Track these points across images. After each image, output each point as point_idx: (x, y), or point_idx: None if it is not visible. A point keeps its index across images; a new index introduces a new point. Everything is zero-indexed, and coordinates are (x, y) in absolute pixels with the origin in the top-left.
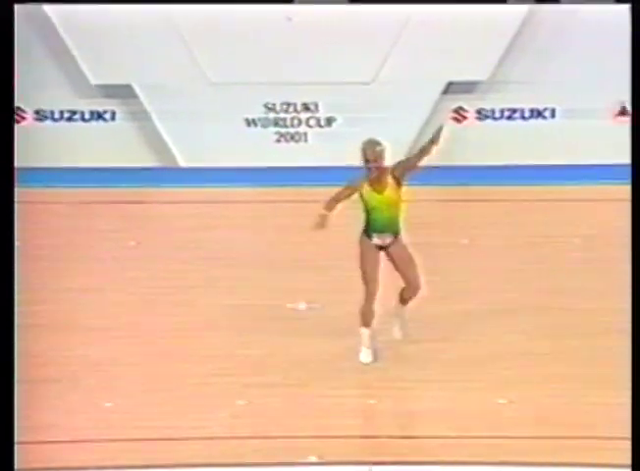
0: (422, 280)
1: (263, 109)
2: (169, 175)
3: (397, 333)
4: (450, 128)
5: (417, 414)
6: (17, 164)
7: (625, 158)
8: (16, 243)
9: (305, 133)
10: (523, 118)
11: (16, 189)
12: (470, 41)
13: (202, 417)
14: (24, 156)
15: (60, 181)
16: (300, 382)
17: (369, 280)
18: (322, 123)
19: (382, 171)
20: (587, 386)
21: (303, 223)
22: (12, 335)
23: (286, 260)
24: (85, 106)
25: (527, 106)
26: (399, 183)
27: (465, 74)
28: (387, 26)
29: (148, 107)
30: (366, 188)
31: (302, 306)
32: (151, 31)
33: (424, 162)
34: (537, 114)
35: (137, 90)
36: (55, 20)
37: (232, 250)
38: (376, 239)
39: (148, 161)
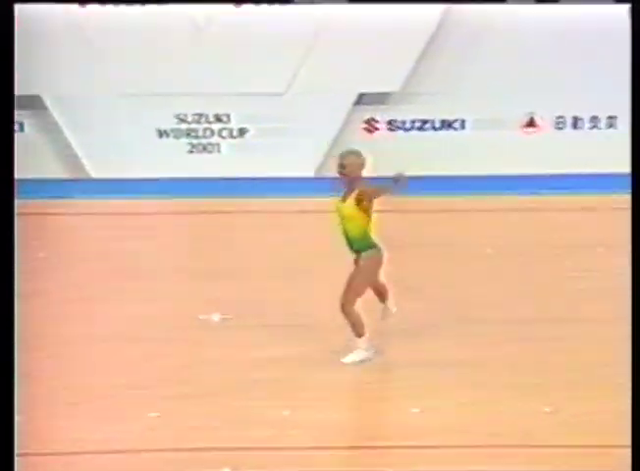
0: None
1: (175, 120)
2: (80, 186)
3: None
4: (361, 138)
5: (331, 425)
6: None
7: (533, 169)
8: None
9: (218, 144)
10: (434, 129)
11: None
12: (381, 52)
13: (115, 429)
14: None
15: None
16: (213, 393)
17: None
18: (234, 134)
19: (352, 186)
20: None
21: (216, 234)
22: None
23: (199, 271)
24: None
25: (438, 117)
26: (357, 204)
27: (377, 85)
28: (299, 36)
29: (58, 118)
30: (342, 195)
31: (216, 317)
32: (60, 40)
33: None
34: (447, 125)
35: (46, 101)
36: None
37: (144, 261)
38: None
39: (58, 172)
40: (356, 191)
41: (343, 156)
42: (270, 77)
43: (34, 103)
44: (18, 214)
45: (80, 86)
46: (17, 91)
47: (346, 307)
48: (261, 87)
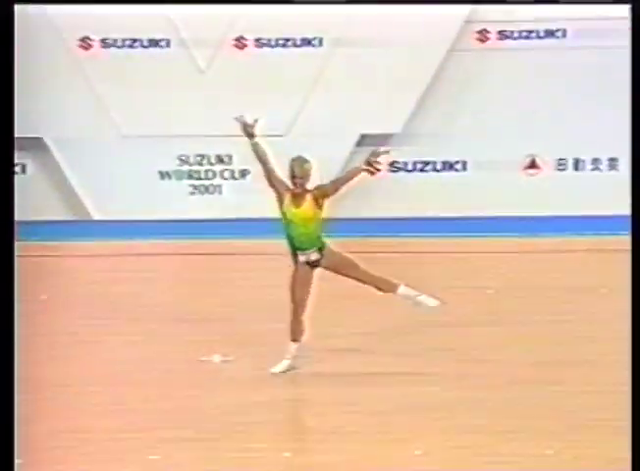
0: None
1: (177, 161)
2: (81, 228)
3: (428, 301)
4: (363, 180)
5: (332, 466)
6: None
7: (535, 211)
8: None
9: (220, 186)
10: (435, 170)
11: None
12: (383, 94)
13: None
14: None
15: None
16: (214, 436)
17: (297, 298)
18: (236, 175)
19: (304, 189)
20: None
21: (217, 275)
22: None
23: (200, 313)
24: None
25: (439, 158)
26: (317, 203)
27: (378, 126)
28: (300, 78)
29: (60, 160)
30: (287, 201)
31: (217, 359)
32: (62, 83)
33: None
34: (449, 166)
35: (49, 143)
36: None
37: (144, 303)
38: (301, 257)
39: (60, 214)
40: (314, 191)
41: (297, 164)
42: (271, 118)
43: (36, 145)
44: (18, 256)
45: (81, 128)
46: (18, 133)
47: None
48: (263, 129)
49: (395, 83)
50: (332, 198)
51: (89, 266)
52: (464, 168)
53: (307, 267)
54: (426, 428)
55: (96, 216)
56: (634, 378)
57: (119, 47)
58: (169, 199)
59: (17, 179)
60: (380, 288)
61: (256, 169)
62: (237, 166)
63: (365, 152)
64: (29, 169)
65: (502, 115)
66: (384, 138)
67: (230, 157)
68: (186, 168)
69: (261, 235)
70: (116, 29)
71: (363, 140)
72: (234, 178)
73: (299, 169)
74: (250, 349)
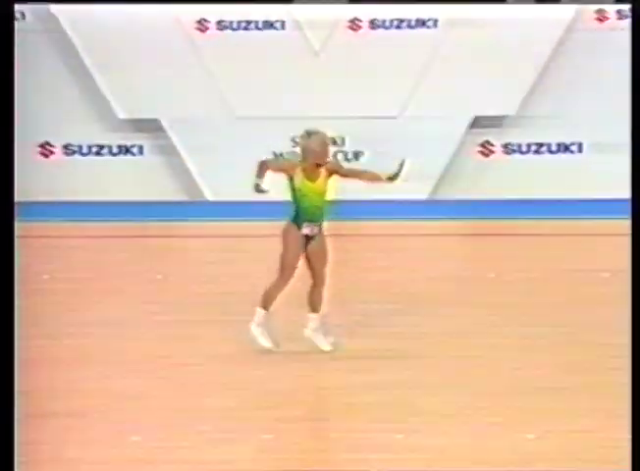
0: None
1: (290, 143)
2: (196, 209)
3: (325, 345)
4: (476, 161)
5: (444, 448)
6: (45, 198)
7: None
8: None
9: None
10: (550, 152)
11: (36, 224)
12: (498, 76)
13: (227, 451)
14: (51, 190)
15: (88, 214)
16: (325, 416)
17: (287, 267)
18: (349, 156)
19: (318, 163)
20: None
21: (332, 256)
22: (12, 371)
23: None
24: (114, 140)
25: (554, 140)
26: (328, 177)
27: (493, 108)
28: (414, 59)
29: (176, 141)
30: (299, 175)
31: (330, 340)
32: (178, 66)
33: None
34: (564, 148)
35: (165, 124)
36: (84, 55)
37: (257, 284)
38: (305, 229)
39: (176, 195)
40: (328, 166)
41: (318, 140)
42: (385, 100)
43: (153, 126)
44: (135, 236)
45: (197, 109)
46: (136, 115)
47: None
48: (376, 111)
49: (509, 65)
50: (443, 179)
51: (203, 246)
52: (580, 149)
53: (301, 239)
54: (539, 411)
55: (210, 197)
56: (634, 365)
57: (234, 29)
58: (282, 180)
59: (134, 160)
60: (314, 294)
61: (371, 151)
62: (350, 147)
63: (479, 134)
64: (146, 150)
65: (619, 92)
66: (498, 120)
67: (343, 139)
68: (299, 149)
69: (372, 217)
70: (231, 12)
71: (477, 122)
72: (347, 159)
73: (321, 146)
74: (361, 331)
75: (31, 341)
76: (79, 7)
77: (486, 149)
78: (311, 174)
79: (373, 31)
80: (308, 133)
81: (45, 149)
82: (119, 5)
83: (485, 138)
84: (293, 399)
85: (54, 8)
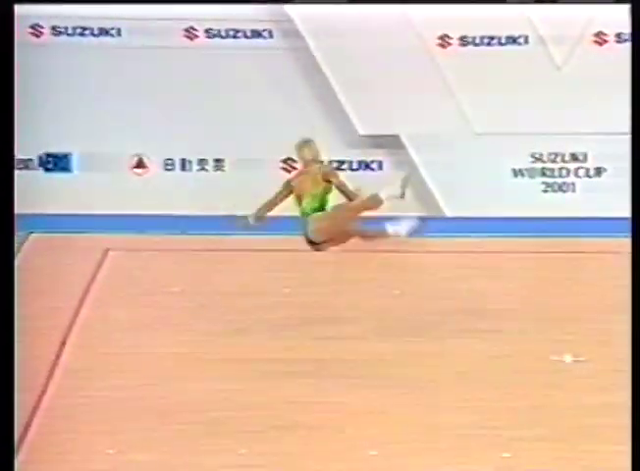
0: None
1: (530, 159)
2: (435, 224)
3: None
4: None
5: None
6: (285, 213)
7: None
8: None
9: (573, 184)
10: None
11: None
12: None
13: (465, 469)
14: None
15: None
16: (566, 436)
17: None
18: (591, 173)
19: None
20: None
21: (569, 274)
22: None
23: (548, 312)
24: (354, 156)
25: None
26: (324, 179)
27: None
28: None
29: (415, 157)
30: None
31: (568, 359)
32: (418, 81)
33: None
34: None
35: (404, 140)
36: (326, 70)
37: (493, 301)
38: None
39: (414, 210)
40: (322, 171)
41: (306, 145)
42: (627, 115)
43: (394, 143)
44: (373, 250)
45: (436, 126)
46: (376, 131)
47: None
48: (618, 126)
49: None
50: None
51: (441, 262)
52: None
53: None
54: None
55: (448, 213)
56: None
57: (476, 45)
58: (521, 197)
59: (374, 175)
60: None
61: (613, 166)
62: (591, 164)
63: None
64: (386, 166)
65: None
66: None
67: (585, 155)
68: (539, 165)
69: (607, 234)
70: (474, 28)
71: None
72: (588, 176)
73: (310, 152)
74: (603, 350)
75: None
76: (316, 10)
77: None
78: (309, 184)
79: (618, 45)
80: (299, 145)
81: (288, 165)
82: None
83: None
84: (531, 418)
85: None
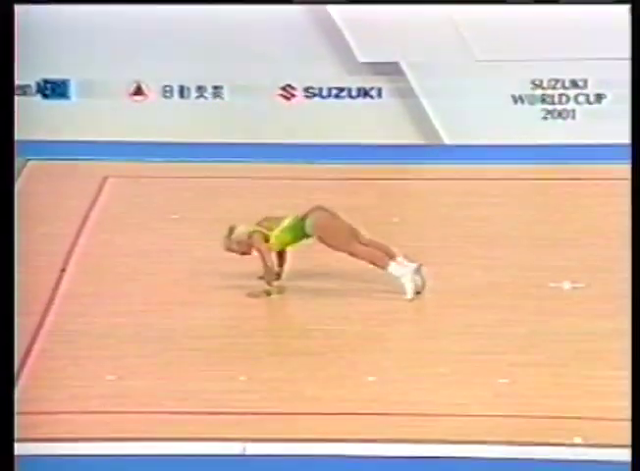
0: None
1: (530, 85)
2: (432, 152)
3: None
4: None
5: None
6: (285, 140)
7: None
8: None
9: (573, 110)
10: None
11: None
12: None
13: (463, 395)
14: (293, 132)
15: (325, 156)
16: (561, 362)
17: None
18: (591, 99)
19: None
20: None
21: (568, 201)
22: None
23: (547, 238)
24: (353, 83)
25: None
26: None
27: None
28: None
29: (414, 84)
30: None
31: (567, 285)
32: (414, 7)
33: None
34: None
35: (404, 68)
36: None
37: (492, 228)
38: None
39: (413, 138)
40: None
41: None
42: (626, 41)
43: (392, 69)
44: (370, 178)
45: (436, 53)
46: (376, 58)
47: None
48: (620, 52)
49: None
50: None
51: (438, 189)
52: None
53: None
54: None
55: (447, 140)
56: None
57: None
58: (521, 124)
59: (372, 103)
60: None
61: (613, 93)
62: (592, 90)
63: None
64: (385, 93)
65: None
66: None
67: (585, 81)
68: (539, 92)
69: (607, 161)
70: None
71: None
72: (588, 102)
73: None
74: (601, 276)
75: None
76: None
77: None
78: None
79: None
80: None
81: (287, 92)
82: None
83: None
84: (529, 344)
85: None
